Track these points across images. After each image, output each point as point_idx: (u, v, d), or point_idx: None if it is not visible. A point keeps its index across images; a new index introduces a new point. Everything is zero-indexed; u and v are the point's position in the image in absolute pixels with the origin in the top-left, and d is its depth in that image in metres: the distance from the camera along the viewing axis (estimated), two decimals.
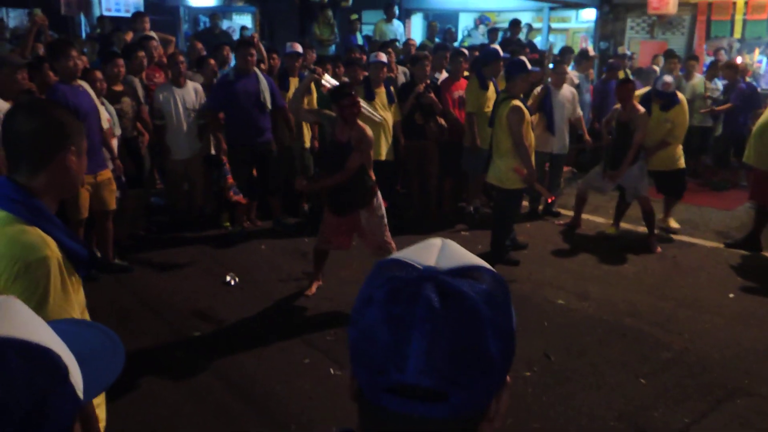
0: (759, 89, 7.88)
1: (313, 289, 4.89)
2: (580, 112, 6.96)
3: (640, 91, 6.29)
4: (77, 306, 1.68)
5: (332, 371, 3.80)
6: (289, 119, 6.08)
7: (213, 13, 11.57)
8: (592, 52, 8.74)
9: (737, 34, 9.37)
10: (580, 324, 4.45)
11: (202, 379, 3.73)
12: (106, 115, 5.11)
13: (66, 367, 0.66)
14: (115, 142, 5.31)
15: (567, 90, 6.70)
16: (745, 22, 9.21)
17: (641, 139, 5.69)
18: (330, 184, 4.38)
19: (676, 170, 6.18)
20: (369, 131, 4.31)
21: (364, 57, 7.15)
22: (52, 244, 1.58)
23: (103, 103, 5.20)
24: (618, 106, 5.91)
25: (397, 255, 0.75)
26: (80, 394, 0.68)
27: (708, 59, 9.34)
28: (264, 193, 6.16)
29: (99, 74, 5.20)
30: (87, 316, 1.80)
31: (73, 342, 0.72)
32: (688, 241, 6.18)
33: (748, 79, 8.30)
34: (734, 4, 9.15)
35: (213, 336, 4.24)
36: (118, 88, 5.59)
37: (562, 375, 3.77)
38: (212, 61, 6.55)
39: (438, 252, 0.74)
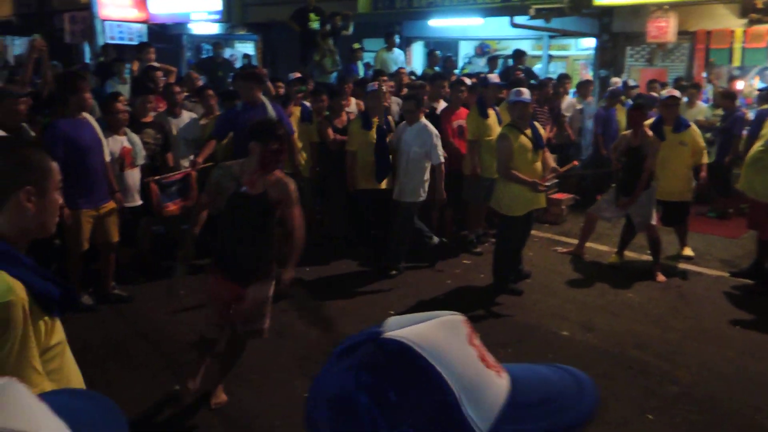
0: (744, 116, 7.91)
1: (191, 393, 3.64)
2: (440, 159, 5.80)
3: (649, 120, 6.31)
4: (49, 348, 1.62)
5: None
6: (293, 147, 6.05)
7: (216, 42, 11.68)
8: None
9: (736, 62, 9.43)
10: (585, 356, 4.37)
11: (201, 414, 3.65)
12: (118, 146, 5.11)
13: None
14: (137, 172, 5.32)
15: (420, 127, 5.79)
16: (744, 50, 9.27)
17: (653, 165, 5.69)
18: (298, 251, 3.51)
19: (686, 201, 6.18)
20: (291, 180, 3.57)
21: (349, 87, 7.19)
22: (18, 287, 1.52)
23: (126, 134, 5.22)
24: (627, 132, 5.92)
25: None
26: None
27: (708, 87, 9.39)
28: None
29: (120, 106, 5.21)
30: (67, 354, 1.75)
31: (73, 419, 0.68)
32: (693, 270, 6.11)
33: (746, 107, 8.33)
34: (733, 32, 9.22)
35: (212, 369, 4.15)
36: (146, 119, 5.67)
37: None
38: (210, 91, 6.59)
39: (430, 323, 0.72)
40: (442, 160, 5.85)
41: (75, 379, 1.77)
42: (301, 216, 3.51)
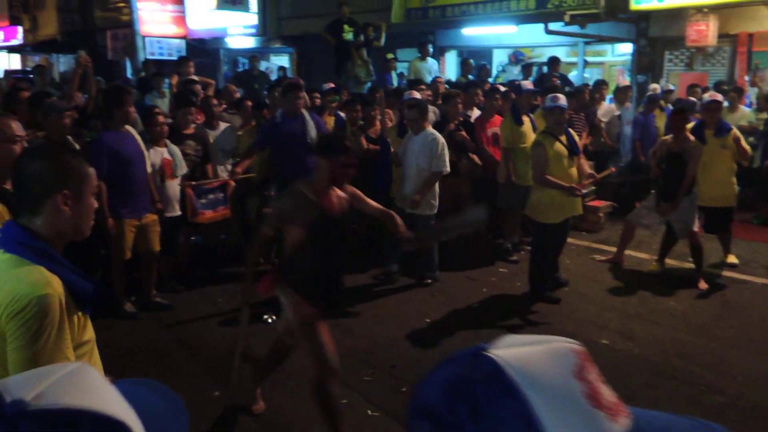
0: None
1: None
2: (440, 167, 5.56)
3: (689, 125, 6.19)
4: (81, 344, 1.69)
5: (369, 413, 3.73)
6: None
7: (252, 55, 11.90)
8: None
9: None
10: (626, 365, 4.28)
11: (240, 420, 3.69)
12: (158, 158, 5.24)
13: None
14: (176, 182, 5.43)
15: (426, 136, 5.60)
16: None
17: (695, 170, 5.57)
18: (397, 218, 3.48)
19: (729, 207, 6.03)
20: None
21: (378, 95, 7.21)
22: (55, 282, 1.60)
23: (166, 145, 5.34)
24: (667, 137, 5.82)
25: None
26: None
27: (751, 90, 9.15)
28: None
29: (161, 118, 5.35)
30: (96, 353, 1.80)
31: (139, 405, 0.71)
32: (738, 277, 5.94)
33: None
34: None
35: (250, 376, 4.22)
36: (188, 131, 5.77)
37: None
38: (249, 103, 6.72)
39: None
40: (443, 170, 5.58)
41: None
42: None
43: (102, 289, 1.74)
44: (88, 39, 16.10)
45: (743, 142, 5.96)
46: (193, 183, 5.66)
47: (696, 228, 5.73)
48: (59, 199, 1.66)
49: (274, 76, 12.64)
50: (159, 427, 0.74)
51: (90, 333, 1.75)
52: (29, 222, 1.67)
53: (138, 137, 5.00)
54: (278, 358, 3.64)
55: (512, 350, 0.67)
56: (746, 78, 9.27)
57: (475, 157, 6.51)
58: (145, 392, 0.81)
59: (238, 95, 7.76)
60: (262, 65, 14.20)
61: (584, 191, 5.37)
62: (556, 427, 0.62)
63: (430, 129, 5.73)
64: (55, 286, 1.59)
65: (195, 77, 7.78)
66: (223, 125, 6.27)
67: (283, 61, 15.92)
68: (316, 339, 3.20)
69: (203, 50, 15.50)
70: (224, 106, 7.07)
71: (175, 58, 13.44)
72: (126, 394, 0.71)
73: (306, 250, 3.15)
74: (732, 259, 6.23)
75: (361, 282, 5.94)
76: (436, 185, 5.73)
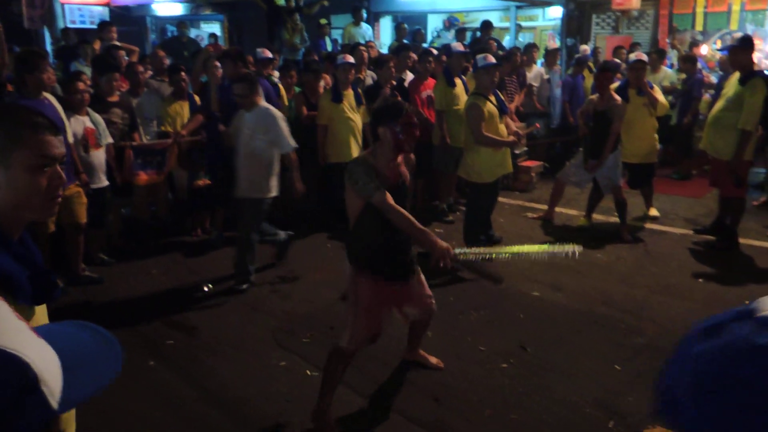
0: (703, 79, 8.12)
1: None
2: (290, 146, 4.84)
3: (614, 84, 6.40)
4: None
5: (308, 373, 3.77)
6: None
7: (180, 22, 11.47)
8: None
9: (699, 27, 9.57)
10: (555, 314, 4.48)
11: (176, 388, 3.67)
12: (80, 127, 5.02)
13: (35, 375, 0.63)
14: (102, 152, 5.24)
15: (259, 112, 4.82)
16: (706, 14, 9.41)
17: (619, 128, 5.79)
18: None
19: (651, 163, 6.31)
20: None
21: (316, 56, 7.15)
22: None
23: (88, 113, 5.13)
24: (594, 96, 6.00)
25: None
26: (53, 403, 0.65)
27: (672, 52, 9.52)
28: None
29: (82, 85, 5.10)
30: None
31: (65, 345, 0.70)
32: (659, 229, 6.27)
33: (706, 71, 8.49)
34: None
35: (186, 344, 4.18)
36: (113, 98, 5.57)
37: (538, 365, 3.79)
38: (182, 67, 6.50)
39: None
40: (293, 146, 4.89)
41: None
42: None
43: (40, 277, 1.44)
44: (1, 7, 15.07)
45: (656, 93, 6.19)
46: (134, 144, 5.52)
47: (620, 184, 5.99)
48: None
49: (204, 44, 12.23)
50: (89, 364, 0.74)
51: (36, 323, 1.45)
52: None
53: (58, 105, 4.77)
54: (418, 330, 3.70)
55: None
56: (667, 41, 9.63)
57: None
58: (77, 332, 0.80)
59: (167, 62, 7.50)
60: (192, 33, 13.70)
61: (517, 152, 5.51)
62: None
63: (264, 104, 4.98)
64: None
65: (118, 43, 7.45)
66: (148, 93, 6.08)
67: (214, 28, 15.41)
68: (368, 324, 3.15)
69: (128, 18, 14.78)
70: (150, 72, 6.82)
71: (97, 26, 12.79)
72: (52, 333, 0.70)
73: (372, 224, 3.07)
74: (654, 212, 6.56)
75: (297, 247, 5.93)
76: (275, 165, 4.90)
